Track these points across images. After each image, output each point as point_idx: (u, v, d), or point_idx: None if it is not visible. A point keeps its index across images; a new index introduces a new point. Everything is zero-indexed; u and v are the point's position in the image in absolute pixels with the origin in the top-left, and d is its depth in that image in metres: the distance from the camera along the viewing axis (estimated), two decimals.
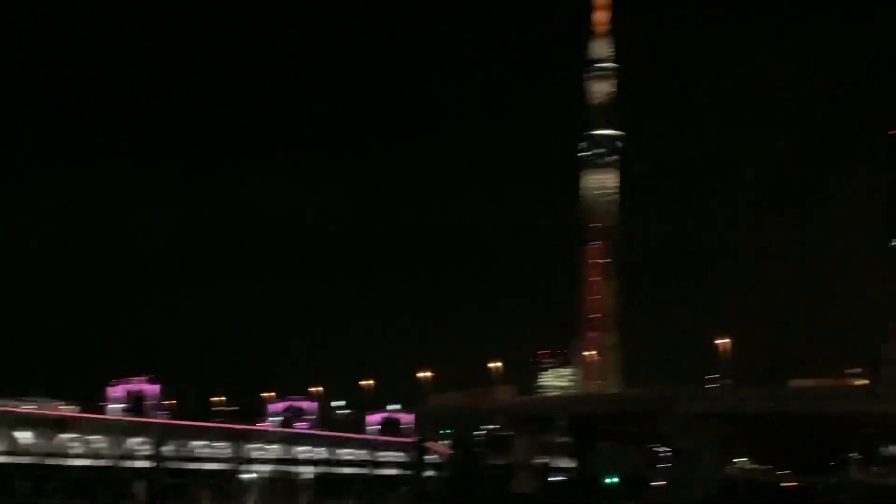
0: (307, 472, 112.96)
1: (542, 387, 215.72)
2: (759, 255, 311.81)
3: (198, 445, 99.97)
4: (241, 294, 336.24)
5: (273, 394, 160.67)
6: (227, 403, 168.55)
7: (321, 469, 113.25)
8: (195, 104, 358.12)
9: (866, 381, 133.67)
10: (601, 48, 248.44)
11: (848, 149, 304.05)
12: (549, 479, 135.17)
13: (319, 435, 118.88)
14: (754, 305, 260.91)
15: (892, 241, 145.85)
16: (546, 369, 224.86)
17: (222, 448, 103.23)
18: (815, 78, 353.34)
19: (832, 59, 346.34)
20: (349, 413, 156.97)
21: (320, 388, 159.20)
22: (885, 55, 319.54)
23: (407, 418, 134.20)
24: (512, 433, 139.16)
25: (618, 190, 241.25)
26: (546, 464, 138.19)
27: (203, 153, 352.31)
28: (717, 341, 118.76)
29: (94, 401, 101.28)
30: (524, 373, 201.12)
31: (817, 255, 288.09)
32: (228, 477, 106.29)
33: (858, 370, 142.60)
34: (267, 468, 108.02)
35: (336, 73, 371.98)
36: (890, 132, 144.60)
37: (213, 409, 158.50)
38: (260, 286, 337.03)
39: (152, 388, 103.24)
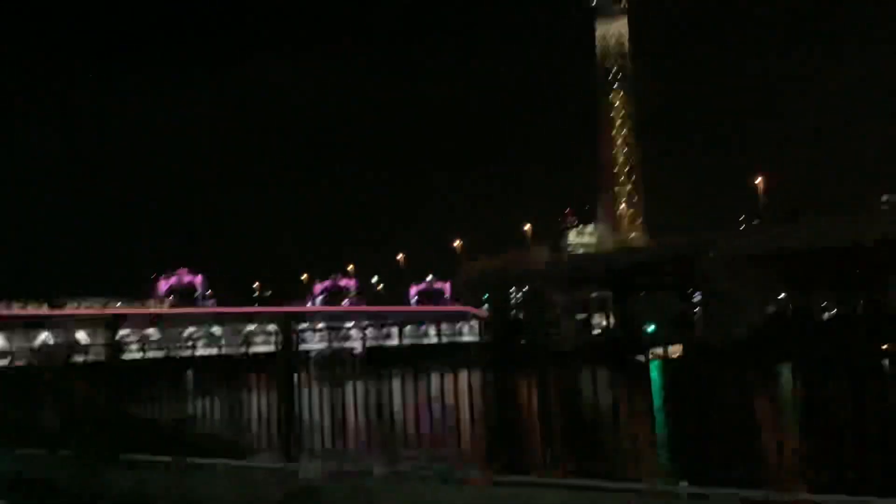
0: (357, 346, 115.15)
1: (569, 245, 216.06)
2: (780, 92, 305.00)
3: (250, 330, 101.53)
4: (266, 188, 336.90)
5: (306, 276, 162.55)
6: (263, 290, 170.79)
7: (370, 342, 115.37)
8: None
9: None
10: None
11: None
12: (591, 333, 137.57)
13: (365, 310, 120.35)
14: (783, 143, 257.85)
15: None
16: (572, 227, 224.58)
17: (272, 331, 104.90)
18: None
19: None
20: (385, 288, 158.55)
21: (351, 267, 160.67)
22: None
23: (445, 287, 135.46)
24: (549, 292, 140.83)
25: (628, 37, 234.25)
26: (586, 319, 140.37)
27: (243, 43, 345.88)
28: (753, 181, 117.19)
29: (142, 297, 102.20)
30: (553, 232, 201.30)
31: (846, 87, 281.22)
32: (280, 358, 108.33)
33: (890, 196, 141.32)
34: (318, 346, 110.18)
35: None
36: None
37: (254, 296, 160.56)
38: (284, 179, 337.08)
39: (197, 279, 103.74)
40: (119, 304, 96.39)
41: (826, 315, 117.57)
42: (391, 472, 20.20)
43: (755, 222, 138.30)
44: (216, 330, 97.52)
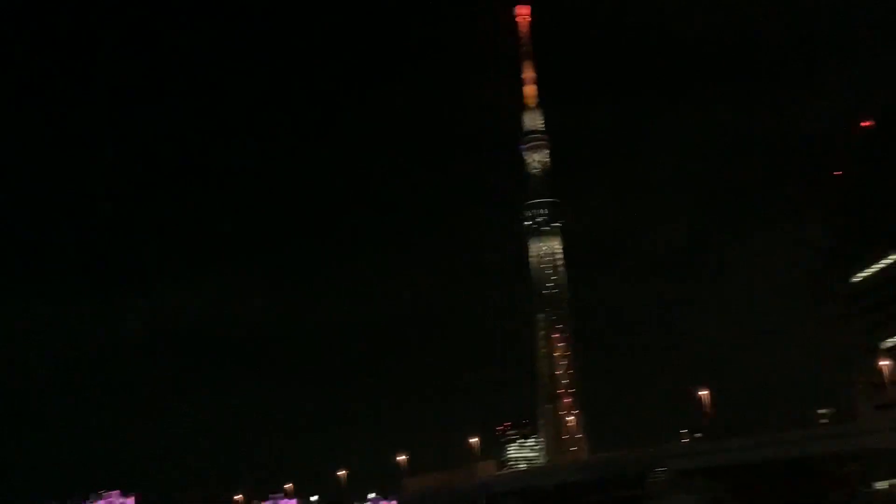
0: None
1: (509, 459, 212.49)
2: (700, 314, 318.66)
3: None
4: (186, 405, 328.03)
5: (241, 496, 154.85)
6: None
7: None
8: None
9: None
10: (533, 120, 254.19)
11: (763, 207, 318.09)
12: None
13: None
14: (711, 358, 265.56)
15: (833, 287, 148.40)
16: (511, 441, 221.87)
17: None
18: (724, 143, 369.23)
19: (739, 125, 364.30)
20: None
21: (290, 485, 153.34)
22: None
23: None
24: None
25: (562, 256, 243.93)
26: None
27: (120, 269, 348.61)
28: (698, 392, 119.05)
29: None
30: (494, 446, 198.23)
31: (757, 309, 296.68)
32: None
33: (828, 411, 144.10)
34: None
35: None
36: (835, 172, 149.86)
37: None
38: (201, 396, 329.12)
39: (129, 501, 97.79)
40: None
41: None
42: None
43: (698, 435, 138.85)
44: None
